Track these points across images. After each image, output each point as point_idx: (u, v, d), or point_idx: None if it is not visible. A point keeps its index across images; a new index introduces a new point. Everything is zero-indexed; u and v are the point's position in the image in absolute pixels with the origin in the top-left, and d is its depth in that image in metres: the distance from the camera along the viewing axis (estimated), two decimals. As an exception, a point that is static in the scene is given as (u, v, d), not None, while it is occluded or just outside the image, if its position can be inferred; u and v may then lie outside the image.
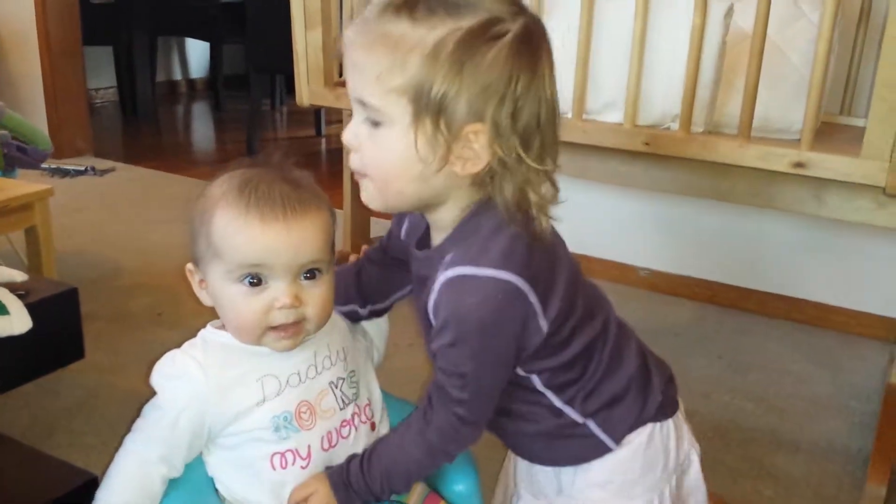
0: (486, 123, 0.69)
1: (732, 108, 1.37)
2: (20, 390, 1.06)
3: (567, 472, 0.87)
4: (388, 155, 0.72)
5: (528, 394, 0.83)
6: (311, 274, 0.79)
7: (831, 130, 1.56)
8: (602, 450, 0.85)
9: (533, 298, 0.74)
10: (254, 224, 0.76)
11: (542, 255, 0.76)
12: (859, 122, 1.55)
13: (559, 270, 0.78)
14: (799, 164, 1.27)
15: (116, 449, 0.81)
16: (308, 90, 1.69)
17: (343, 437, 0.84)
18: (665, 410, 0.88)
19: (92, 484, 1.02)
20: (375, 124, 0.72)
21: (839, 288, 1.98)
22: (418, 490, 0.89)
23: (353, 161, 0.76)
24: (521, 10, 0.71)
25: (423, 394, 0.81)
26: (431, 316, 0.77)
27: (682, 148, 1.34)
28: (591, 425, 0.84)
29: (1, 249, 1.92)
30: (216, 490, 0.84)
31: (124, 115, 4.20)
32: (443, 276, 0.74)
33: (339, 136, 1.92)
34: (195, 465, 0.83)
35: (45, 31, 3.15)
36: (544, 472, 0.89)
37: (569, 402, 0.83)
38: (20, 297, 0.99)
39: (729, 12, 1.32)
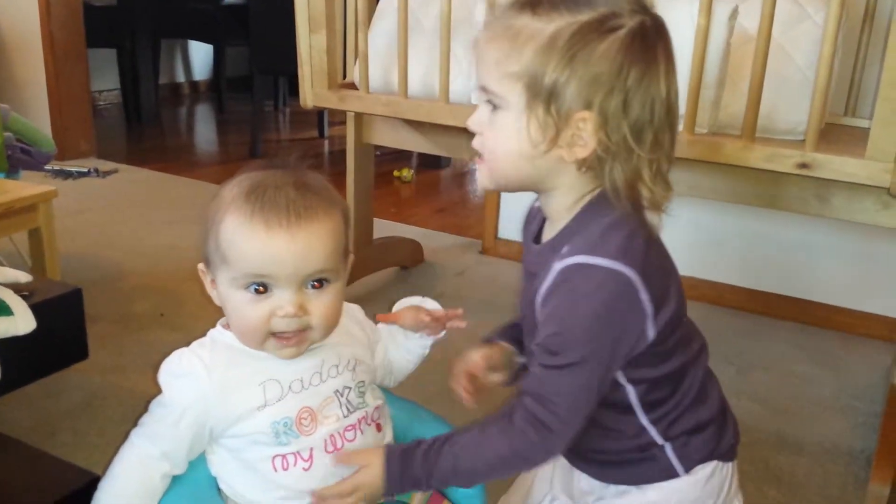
0: (594, 111, 0.71)
1: (737, 110, 1.37)
2: (24, 391, 1.06)
3: (620, 487, 0.86)
4: (502, 136, 0.76)
5: (615, 409, 0.81)
6: (319, 282, 0.78)
7: (836, 131, 1.56)
8: (668, 475, 0.83)
9: (644, 297, 0.74)
10: (258, 232, 0.75)
11: (658, 258, 0.77)
12: (864, 124, 1.55)
13: (671, 279, 0.79)
14: (804, 165, 1.26)
15: (111, 459, 0.82)
16: (312, 92, 1.69)
17: (348, 441, 0.83)
18: (732, 453, 0.87)
19: (95, 484, 1.01)
20: (494, 108, 0.75)
21: (844, 289, 1.98)
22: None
23: (475, 143, 0.79)
24: (642, 9, 0.73)
25: (512, 396, 0.79)
26: (539, 306, 0.77)
27: (687, 149, 1.34)
28: (668, 449, 0.83)
29: (5, 251, 1.92)
30: (219, 489, 0.84)
31: (127, 117, 4.21)
32: (559, 264, 0.74)
33: (341, 137, 1.92)
34: (198, 464, 0.83)
35: (49, 34, 3.15)
36: (588, 480, 0.88)
37: (654, 422, 0.82)
38: (24, 297, 0.99)
39: (734, 14, 1.32)
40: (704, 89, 1.31)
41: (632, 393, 0.80)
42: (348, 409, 0.84)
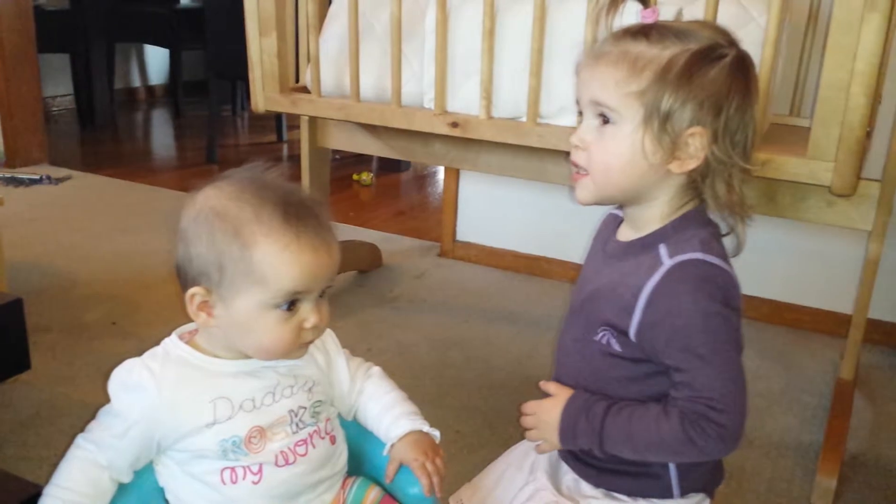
0: (706, 127, 0.79)
1: (683, 111, 1.39)
2: (-32, 403, 1.04)
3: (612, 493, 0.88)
4: (614, 149, 0.82)
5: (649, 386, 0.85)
6: (323, 290, 0.82)
7: (781, 131, 1.59)
8: (664, 494, 0.87)
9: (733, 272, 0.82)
10: (305, 255, 0.78)
11: None
12: (807, 123, 1.58)
13: None
14: (747, 165, 1.29)
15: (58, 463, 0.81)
16: (263, 96, 1.68)
17: (300, 455, 0.83)
18: (714, 490, 0.91)
19: (39, 497, 1.01)
20: (606, 121, 0.81)
21: (792, 286, 2.02)
22: (373, 494, 0.89)
23: (579, 158, 0.85)
24: (734, 42, 0.82)
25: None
26: (644, 302, 0.80)
27: (634, 150, 1.35)
28: (672, 471, 0.86)
29: (-49, 260, 1.88)
30: (166, 500, 0.83)
31: (81, 122, 4.14)
32: (673, 261, 0.80)
33: (299, 141, 1.91)
34: (145, 473, 0.83)
35: (-1, 39, 3.10)
36: (574, 478, 0.91)
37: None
38: (-36, 308, 0.97)
39: (678, 16, 1.34)
40: (650, 91, 1.33)
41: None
42: (298, 427, 0.83)
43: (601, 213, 2.33)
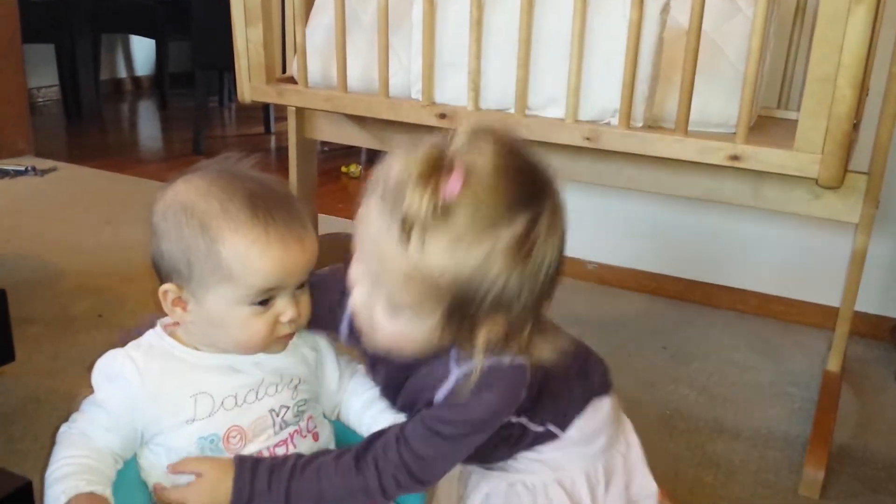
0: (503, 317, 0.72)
1: (671, 104, 1.39)
2: (-47, 397, 1.03)
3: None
4: (394, 331, 0.75)
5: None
6: (302, 283, 0.80)
7: (768, 124, 1.59)
8: (550, 438, 0.89)
9: (528, 373, 0.78)
10: (274, 250, 0.76)
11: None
12: (795, 116, 1.58)
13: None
14: (735, 157, 1.29)
15: (48, 457, 0.79)
16: (249, 87, 1.66)
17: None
18: (604, 386, 0.93)
19: (27, 488, 1.00)
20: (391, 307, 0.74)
21: (779, 278, 2.03)
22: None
23: (356, 299, 0.78)
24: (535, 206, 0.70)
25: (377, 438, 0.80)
26: (438, 401, 0.78)
27: (622, 142, 1.35)
28: (549, 426, 0.88)
29: (-66, 253, 1.87)
30: (150, 494, 0.83)
31: (67, 114, 4.10)
32: (460, 371, 0.76)
33: (287, 133, 1.89)
34: (128, 467, 0.82)
35: (-18, 29, 3.06)
36: None
37: (529, 417, 0.86)
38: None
39: (665, 8, 1.34)
40: (638, 84, 1.32)
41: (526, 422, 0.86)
42: (281, 427, 0.82)
43: (592, 207, 2.32)
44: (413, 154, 0.68)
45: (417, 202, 0.65)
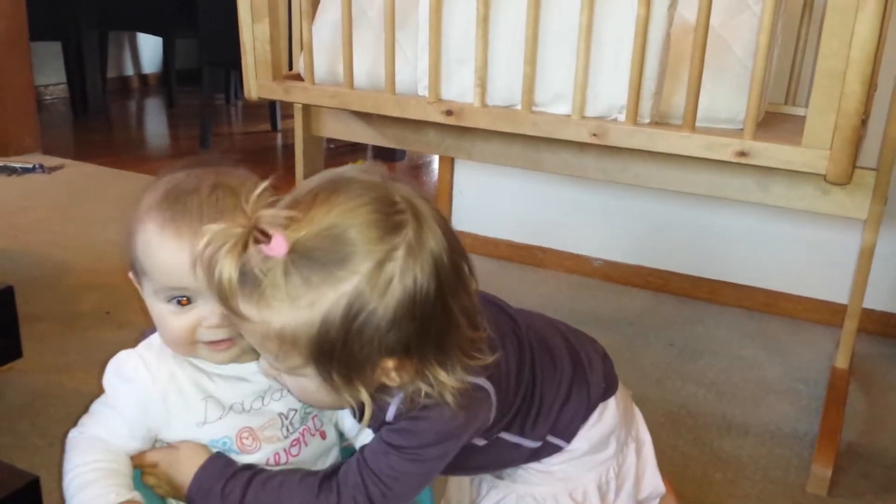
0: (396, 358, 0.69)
1: (678, 100, 1.38)
2: (-39, 393, 1.04)
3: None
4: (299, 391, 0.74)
5: (484, 447, 0.84)
6: None
7: (776, 120, 1.58)
8: (555, 450, 0.88)
9: (491, 391, 0.76)
10: (170, 244, 0.72)
11: None
12: (803, 112, 1.58)
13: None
14: (742, 154, 1.28)
15: (61, 458, 0.79)
16: (256, 84, 1.66)
17: (293, 456, 0.82)
18: (609, 390, 0.90)
19: (34, 485, 1.00)
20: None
21: (787, 275, 2.02)
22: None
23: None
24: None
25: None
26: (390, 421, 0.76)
27: (629, 139, 1.35)
28: (550, 439, 0.86)
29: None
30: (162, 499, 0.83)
31: (74, 111, 4.11)
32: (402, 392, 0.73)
33: (294, 130, 1.89)
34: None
35: (-10, 26, 3.07)
36: None
37: (520, 434, 0.85)
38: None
39: (673, 3, 1.33)
40: (645, 80, 1.32)
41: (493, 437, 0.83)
42: (288, 431, 0.82)
43: (598, 204, 2.33)
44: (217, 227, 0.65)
45: (231, 274, 0.63)
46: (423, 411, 0.72)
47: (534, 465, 0.88)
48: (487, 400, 0.76)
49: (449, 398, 0.70)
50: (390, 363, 0.67)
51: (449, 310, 0.67)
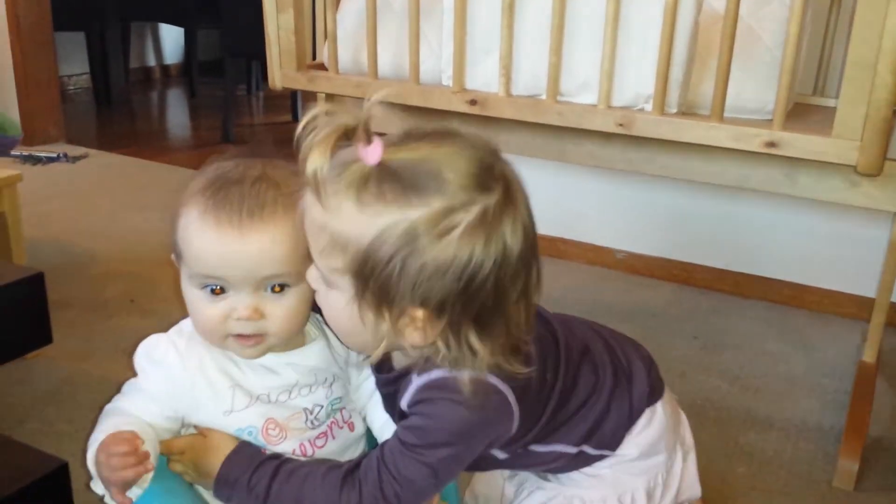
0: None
1: (706, 89, 1.37)
2: (-9, 378, 1.05)
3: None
4: (334, 313, 0.74)
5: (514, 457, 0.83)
6: (279, 286, 0.75)
7: (805, 111, 1.56)
8: (601, 457, 0.86)
9: (512, 399, 0.74)
10: (208, 232, 0.72)
11: None
12: (832, 103, 1.55)
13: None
14: (771, 144, 1.27)
15: (90, 433, 0.80)
16: (280, 73, 1.66)
17: (318, 448, 0.82)
18: (653, 395, 0.88)
19: (63, 470, 1.01)
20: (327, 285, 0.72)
21: (813, 268, 2.00)
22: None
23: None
24: (485, 191, 0.66)
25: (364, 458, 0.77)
26: (405, 410, 0.76)
27: (656, 129, 1.34)
28: (586, 448, 0.85)
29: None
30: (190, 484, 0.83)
31: (97, 101, 4.14)
32: (421, 380, 0.72)
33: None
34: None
35: (16, 17, 3.09)
36: None
37: (555, 442, 0.83)
38: (-15, 283, 0.98)
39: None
40: (673, 69, 1.30)
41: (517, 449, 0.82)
42: (314, 424, 0.81)
43: (621, 196, 2.31)
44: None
45: (320, 160, 0.65)
46: (435, 406, 0.71)
47: (583, 469, 0.86)
48: (507, 409, 0.74)
49: (466, 376, 0.69)
50: (420, 313, 0.66)
51: (502, 294, 0.67)
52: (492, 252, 0.65)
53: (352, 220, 0.65)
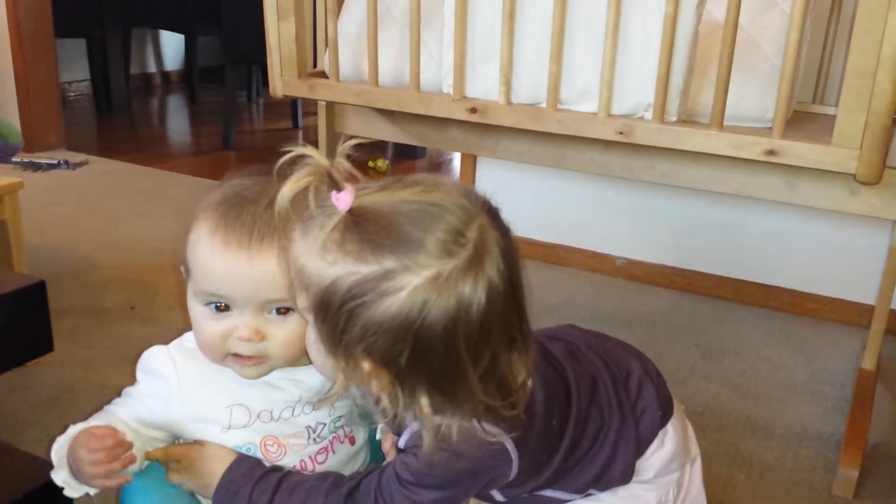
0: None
1: (706, 98, 1.37)
2: (-9, 386, 1.05)
3: None
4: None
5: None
6: (284, 309, 0.75)
7: (804, 119, 1.57)
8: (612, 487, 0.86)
9: (510, 446, 0.74)
10: (215, 250, 0.72)
11: None
12: (831, 111, 1.56)
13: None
14: (771, 152, 1.27)
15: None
16: (281, 81, 1.67)
17: (319, 463, 0.82)
18: (665, 417, 0.87)
19: (63, 479, 1.01)
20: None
21: (813, 275, 2.00)
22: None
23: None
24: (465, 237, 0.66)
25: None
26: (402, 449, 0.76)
27: (656, 137, 1.34)
28: (594, 492, 0.84)
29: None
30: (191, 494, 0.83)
31: (98, 108, 4.15)
32: (415, 424, 0.71)
33: (315, 127, 1.90)
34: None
35: (17, 24, 3.10)
36: None
37: (560, 489, 0.83)
38: (-13, 291, 0.98)
39: (701, 1, 1.32)
40: (673, 77, 1.31)
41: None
42: (315, 442, 0.81)
43: (622, 203, 2.32)
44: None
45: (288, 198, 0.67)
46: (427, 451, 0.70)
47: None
48: (504, 456, 0.73)
49: (427, 436, 0.68)
50: (366, 365, 0.66)
51: (457, 360, 0.65)
52: (443, 308, 0.63)
53: (315, 262, 0.66)
